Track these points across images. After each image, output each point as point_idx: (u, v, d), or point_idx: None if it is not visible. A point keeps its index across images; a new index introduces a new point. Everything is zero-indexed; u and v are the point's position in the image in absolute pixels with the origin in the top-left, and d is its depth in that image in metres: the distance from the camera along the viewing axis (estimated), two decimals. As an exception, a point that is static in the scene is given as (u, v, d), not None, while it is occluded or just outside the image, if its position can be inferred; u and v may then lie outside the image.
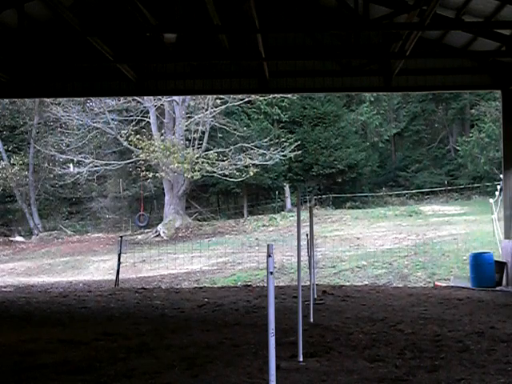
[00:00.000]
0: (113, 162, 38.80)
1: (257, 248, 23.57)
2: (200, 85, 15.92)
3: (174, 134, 35.86)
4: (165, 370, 7.13)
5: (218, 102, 35.12)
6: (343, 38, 14.36)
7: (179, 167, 34.12)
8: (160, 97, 33.22)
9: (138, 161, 35.65)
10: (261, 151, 35.91)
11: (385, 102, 45.43)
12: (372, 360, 7.39)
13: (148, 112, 36.36)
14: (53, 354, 8.09)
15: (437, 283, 16.25)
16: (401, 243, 23.82)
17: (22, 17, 11.92)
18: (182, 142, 35.35)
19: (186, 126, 35.79)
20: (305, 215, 22.53)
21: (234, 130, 36.31)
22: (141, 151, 34.66)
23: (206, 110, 35.10)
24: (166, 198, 36.50)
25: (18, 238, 37.56)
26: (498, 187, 19.63)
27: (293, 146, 36.63)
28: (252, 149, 35.85)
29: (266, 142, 36.14)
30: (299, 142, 37.65)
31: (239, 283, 18.38)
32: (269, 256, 5.59)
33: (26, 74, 15.62)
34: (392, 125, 46.31)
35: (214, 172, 35.21)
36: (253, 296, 14.27)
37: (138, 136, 34.79)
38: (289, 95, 35.42)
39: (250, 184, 38.85)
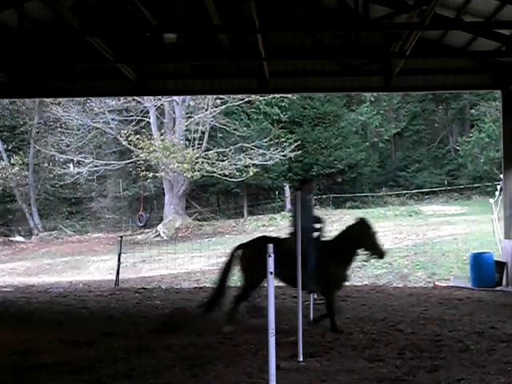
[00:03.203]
0: (113, 162, 38.78)
1: (257, 248, 23.51)
2: (200, 85, 15.92)
3: (173, 133, 35.83)
4: (165, 369, 7.14)
5: (218, 102, 35.09)
6: (343, 38, 14.36)
7: (179, 167, 34.11)
8: (160, 97, 33.20)
9: (138, 161, 35.62)
10: (261, 151, 35.90)
11: (385, 102, 45.40)
12: (372, 360, 7.39)
13: (148, 112, 36.33)
14: (53, 353, 8.09)
15: (437, 283, 16.24)
16: (401, 243, 23.79)
17: (21, 17, 11.92)
18: (182, 142, 35.33)
19: (186, 126, 35.78)
20: (305, 215, 22.48)
21: (234, 130, 36.29)
22: (141, 151, 34.65)
23: (206, 110, 35.08)
24: (166, 197, 36.49)
25: (18, 238, 37.54)
26: (498, 187, 19.61)
27: (293, 146, 36.59)
28: (252, 149, 35.83)
29: (266, 142, 36.12)
30: (299, 142, 37.61)
31: (239, 283, 18.34)
32: (269, 256, 5.59)
33: (25, 74, 15.62)
34: (392, 125, 46.28)
35: (214, 172, 35.18)
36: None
37: (137, 136, 34.76)
38: (289, 95, 35.37)
39: (250, 184, 38.83)
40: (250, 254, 9.72)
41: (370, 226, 9.71)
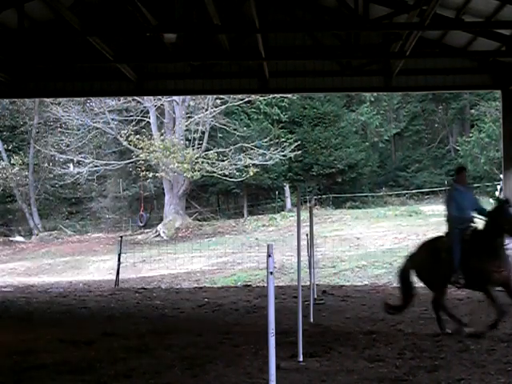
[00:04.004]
0: (113, 162, 38.77)
1: (257, 248, 23.54)
2: (200, 85, 15.93)
3: (173, 133, 35.83)
4: (165, 369, 7.14)
5: (218, 102, 35.08)
6: (343, 38, 14.36)
7: (179, 167, 34.11)
8: (160, 97, 33.19)
9: (138, 161, 35.62)
10: (261, 151, 35.89)
11: (385, 102, 45.38)
12: (372, 360, 7.39)
13: (148, 112, 36.33)
14: (53, 353, 8.09)
15: (437, 283, 16.18)
16: (401, 243, 23.79)
17: (21, 17, 11.93)
18: (182, 142, 35.33)
19: (186, 126, 35.77)
20: (305, 215, 22.49)
21: (234, 130, 36.29)
22: (141, 151, 34.65)
23: (206, 110, 35.08)
24: (166, 197, 36.49)
25: (18, 238, 37.53)
26: (498, 187, 19.63)
27: (293, 146, 36.59)
28: (252, 149, 35.83)
29: (266, 142, 36.12)
30: (299, 142, 37.61)
31: (239, 283, 18.37)
32: (269, 256, 5.60)
33: (25, 74, 15.62)
34: (392, 125, 46.28)
35: (214, 172, 35.18)
36: (253, 296, 14.27)
37: (137, 136, 34.76)
38: (289, 95, 35.36)
39: (250, 184, 38.82)
40: (421, 262, 9.35)
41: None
